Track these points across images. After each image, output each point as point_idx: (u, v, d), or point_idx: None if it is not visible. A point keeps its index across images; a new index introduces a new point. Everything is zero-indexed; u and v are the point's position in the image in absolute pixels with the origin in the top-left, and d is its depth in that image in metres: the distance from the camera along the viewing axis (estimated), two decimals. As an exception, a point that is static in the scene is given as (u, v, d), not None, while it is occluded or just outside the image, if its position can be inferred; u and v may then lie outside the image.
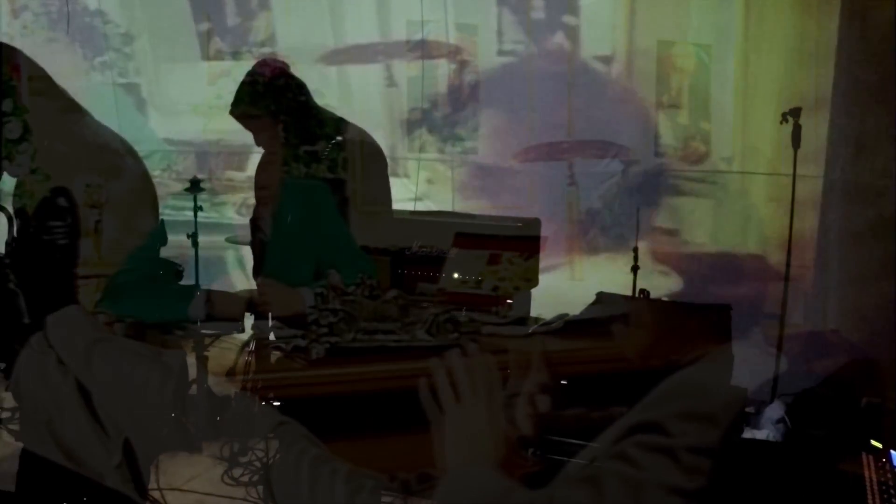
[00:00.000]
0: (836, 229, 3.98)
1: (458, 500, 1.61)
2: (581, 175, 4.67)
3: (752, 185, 4.40)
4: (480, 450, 1.65)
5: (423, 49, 4.81)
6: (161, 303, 3.09)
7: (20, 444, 2.37)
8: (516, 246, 3.53)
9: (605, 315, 2.62)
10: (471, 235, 3.60)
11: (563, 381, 2.19)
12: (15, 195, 3.07)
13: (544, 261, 3.76)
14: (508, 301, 3.37)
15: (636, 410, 1.71)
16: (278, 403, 2.42)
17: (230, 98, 3.32)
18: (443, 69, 4.86)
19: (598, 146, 4.65)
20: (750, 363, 3.42)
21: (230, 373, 2.88)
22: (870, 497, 2.48)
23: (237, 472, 2.26)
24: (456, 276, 3.51)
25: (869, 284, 3.64)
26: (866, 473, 2.53)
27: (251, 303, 3.14)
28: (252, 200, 3.59)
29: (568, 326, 2.93)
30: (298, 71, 3.37)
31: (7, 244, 3.03)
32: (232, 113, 3.36)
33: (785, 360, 3.71)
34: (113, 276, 3.10)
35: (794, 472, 2.67)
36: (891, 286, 3.45)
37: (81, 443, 2.28)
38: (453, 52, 4.84)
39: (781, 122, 3.86)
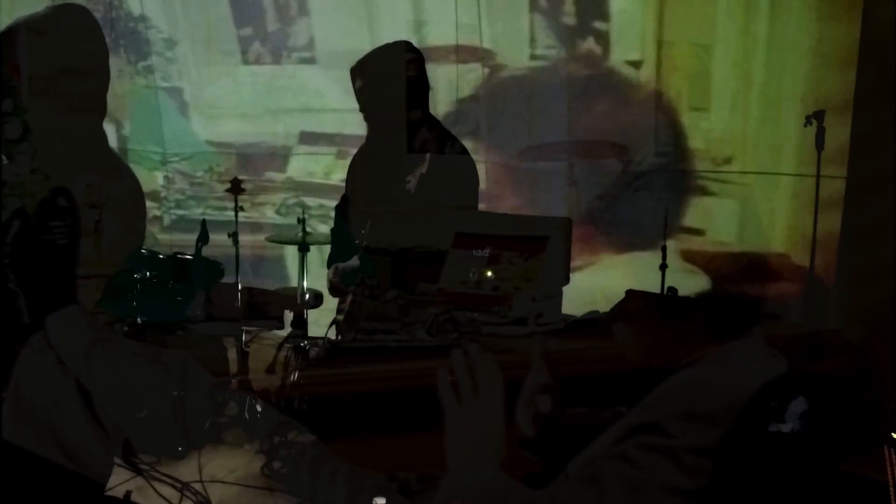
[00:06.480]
0: (856, 228, 3.99)
1: (460, 499, 1.64)
2: (592, 175, 4.74)
3: (775, 185, 4.43)
4: (482, 449, 1.67)
5: (456, 53, 4.89)
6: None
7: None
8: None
9: (636, 311, 2.64)
10: (510, 237, 3.61)
11: (592, 379, 2.21)
12: (15, 195, 3.09)
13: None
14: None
15: (637, 410, 1.74)
16: (306, 402, 2.45)
17: (269, 101, 3.36)
18: (476, 73, 4.94)
19: (616, 148, 4.71)
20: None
21: (270, 370, 2.92)
22: (892, 490, 2.49)
23: (276, 464, 2.29)
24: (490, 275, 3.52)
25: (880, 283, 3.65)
26: (888, 467, 2.54)
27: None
28: (291, 201, 3.65)
29: (587, 324, 2.95)
30: (336, 75, 3.40)
31: (7, 244, 3.07)
32: None
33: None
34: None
35: (812, 466, 2.70)
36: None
37: (81, 443, 2.30)
38: (486, 57, 4.92)
39: (805, 125, 3.88)
